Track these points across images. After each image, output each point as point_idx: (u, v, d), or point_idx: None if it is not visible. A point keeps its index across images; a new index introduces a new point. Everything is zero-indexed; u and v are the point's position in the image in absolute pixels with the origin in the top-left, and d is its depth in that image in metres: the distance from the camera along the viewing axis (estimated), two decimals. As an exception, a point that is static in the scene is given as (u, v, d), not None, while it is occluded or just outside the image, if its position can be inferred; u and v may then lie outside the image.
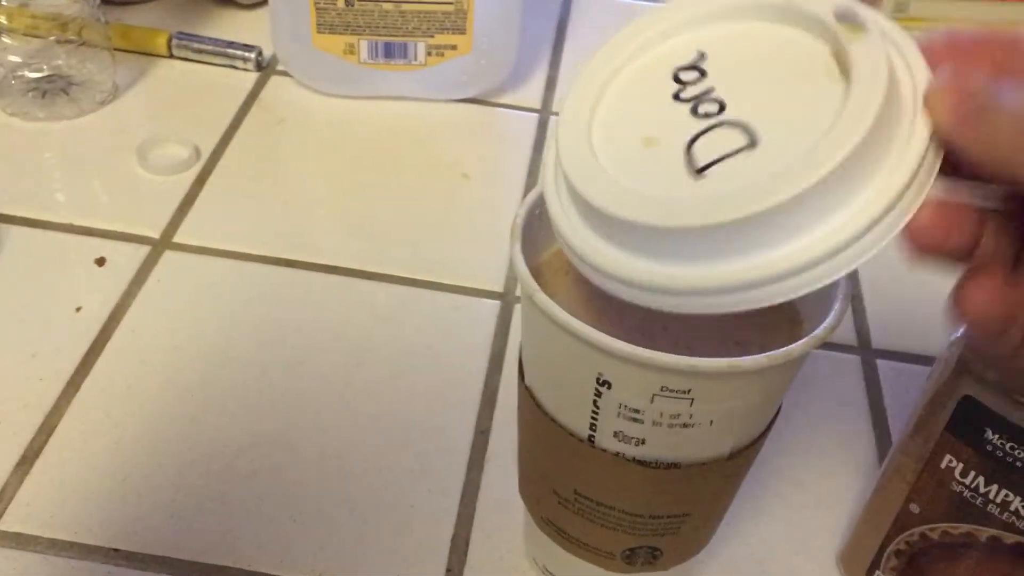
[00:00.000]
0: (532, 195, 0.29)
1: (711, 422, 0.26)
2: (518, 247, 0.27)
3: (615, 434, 0.27)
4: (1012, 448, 0.30)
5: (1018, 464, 0.30)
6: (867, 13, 0.23)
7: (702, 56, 0.25)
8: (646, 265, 0.23)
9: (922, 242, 0.22)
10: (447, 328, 0.46)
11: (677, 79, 0.25)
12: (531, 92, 0.62)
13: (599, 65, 0.26)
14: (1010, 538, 0.31)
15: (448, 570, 0.37)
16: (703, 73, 0.25)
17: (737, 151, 0.23)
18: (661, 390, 0.25)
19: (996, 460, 0.30)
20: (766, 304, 0.22)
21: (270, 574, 0.36)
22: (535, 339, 0.28)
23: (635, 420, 0.26)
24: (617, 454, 0.28)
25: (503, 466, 0.40)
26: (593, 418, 0.27)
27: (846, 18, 0.23)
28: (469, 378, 0.44)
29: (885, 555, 0.34)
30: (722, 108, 0.24)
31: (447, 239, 0.51)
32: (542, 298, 0.26)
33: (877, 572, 0.35)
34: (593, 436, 0.28)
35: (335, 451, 0.40)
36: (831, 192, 0.21)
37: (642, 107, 0.25)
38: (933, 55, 0.23)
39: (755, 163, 0.22)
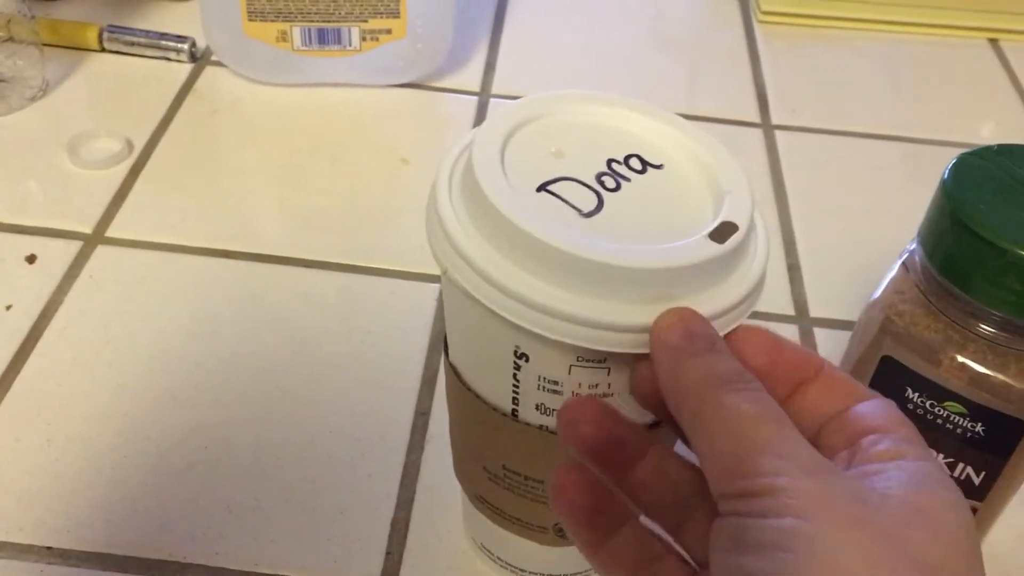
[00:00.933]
0: (446, 164, 0.28)
1: (630, 392, 0.26)
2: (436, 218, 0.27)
3: (537, 407, 0.27)
4: (932, 406, 0.30)
5: (938, 421, 0.30)
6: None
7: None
8: (528, 279, 0.24)
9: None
10: (386, 313, 0.46)
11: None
12: (470, 75, 0.61)
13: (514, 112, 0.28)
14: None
15: (388, 553, 0.36)
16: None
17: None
18: (577, 360, 0.25)
19: (917, 418, 0.30)
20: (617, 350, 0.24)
21: (206, 565, 0.35)
22: (454, 314, 0.28)
23: (555, 392, 0.26)
24: (541, 427, 0.27)
25: (443, 447, 0.40)
26: (515, 392, 0.27)
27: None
28: (409, 361, 0.44)
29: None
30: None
31: (387, 224, 0.51)
32: (454, 274, 0.25)
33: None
34: (516, 410, 0.28)
35: (272, 441, 0.40)
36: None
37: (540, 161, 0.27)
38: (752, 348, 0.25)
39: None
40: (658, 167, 0.27)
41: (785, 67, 0.65)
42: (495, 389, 0.28)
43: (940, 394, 0.30)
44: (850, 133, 0.59)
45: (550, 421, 0.27)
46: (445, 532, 0.37)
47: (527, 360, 0.26)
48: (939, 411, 0.30)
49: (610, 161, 0.27)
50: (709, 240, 0.24)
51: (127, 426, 0.40)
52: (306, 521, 0.37)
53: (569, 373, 0.26)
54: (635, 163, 0.27)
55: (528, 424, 0.28)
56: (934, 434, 0.30)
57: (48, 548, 0.35)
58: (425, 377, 0.43)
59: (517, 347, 0.26)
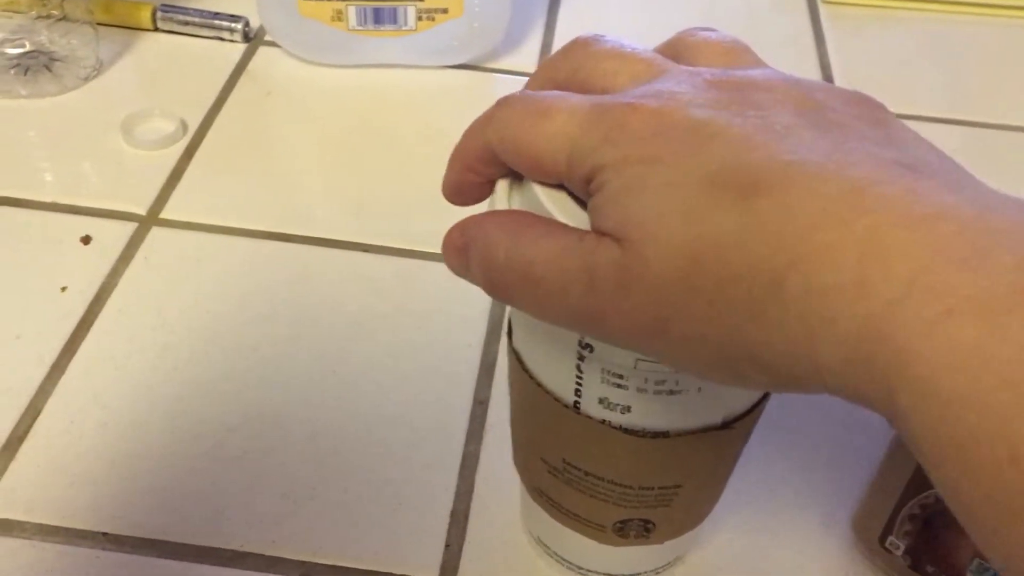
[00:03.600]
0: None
1: (699, 388, 0.25)
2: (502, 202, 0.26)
3: (600, 400, 0.26)
4: None
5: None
6: None
7: None
8: None
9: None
10: (443, 299, 0.45)
11: None
12: (526, 57, 0.60)
13: None
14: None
15: (447, 545, 0.35)
16: None
17: None
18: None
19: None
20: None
21: (262, 554, 0.35)
22: None
23: (619, 386, 0.25)
24: (603, 421, 0.26)
25: (502, 437, 0.39)
26: (578, 383, 0.26)
27: None
28: (467, 349, 0.42)
29: (899, 519, 0.33)
30: None
31: (442, 208, 0.49)
32: None
33: (891, 537, 0.34)
34: (579, 402, 0.26)
35: (328, 428, 0.39)
36: None
37: None
38: None
39: None
40: None
41: (851, 50, 0.62)
42: (558, 379, 0.27)
43: None
44: (917, 117, 0.57)
45: (613, 416, 0.26)
46: (505, 525, 0.36)
47: (591, 351, 0.25)
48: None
49: None
50: None
51: (182, 410, 0.39)
52: (363, 511, 0.36)
53: (635, 367, 0.24)
54: None
55: (590, 417, 0.26)
56: None
57: (103, 534, 0.35)
58: (483, 364, 0.42)
59: (582, 337, 0.24)
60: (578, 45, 0.26)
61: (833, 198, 0.19)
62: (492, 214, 0.25)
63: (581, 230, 0.22)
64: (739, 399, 0.27)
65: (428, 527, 0.36)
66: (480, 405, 0.40)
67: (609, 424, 0.26)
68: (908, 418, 0.18)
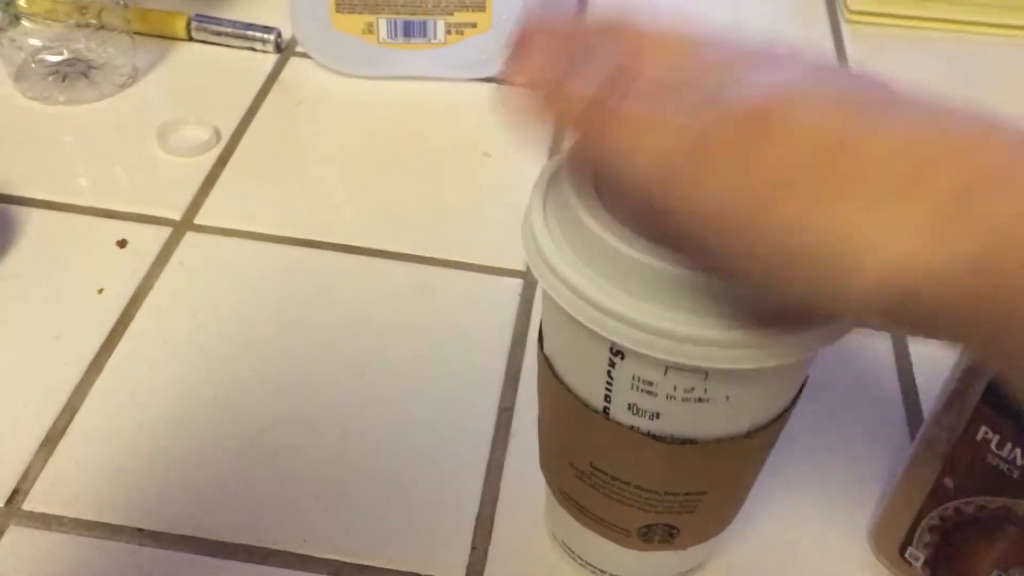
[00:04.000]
0: (547, 168, 0.28)
1: (727, 397, 0.26)
2: (538, 213, 0.27)
3: (629, 407, 0.27)
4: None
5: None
6: None
7: None
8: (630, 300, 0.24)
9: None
10: (469, 307, 0.46)
11: None
12: (552, 70, 0.61)
13: None
14: (1048, 512, 0.30)
15: (473, 548, 0.36)
16: None
17: None
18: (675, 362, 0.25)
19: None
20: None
21: (293, 552, 0.35)
22: (549, 308, 0.28)
23: (649, 393, 0.26)
24: (632, 427, 0.27)
25: (527, 444, 0.40)
26: (608, 389, 0.26)
27: None
28: (492, 356, 0.43)
29: (919, 531, 0.34)
30: None
31: (469, 218, 0.50)
32: (549, 290, 0.25)
33: (910, 548, 0.34)
34: (608, 408, 0.27)
35: (357, 431, 0.40)
36: None
37: None
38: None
39: None
40: None
41: (874, 66, 0.63)
42: (588, 385, 0.27)
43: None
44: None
45: (641, 422, 0.27)
46: (530, 530, 0.37)
47: (623, 358, 0.25)
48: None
49: None
50: None
51: (217, 410, 0.40)
52: (392, 512, 0.37)
53: (665, 374, 0.25)
54: None
55: (619, 423, 0.27)
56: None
57: (139, 530, 0.36)
58: (508, 373, 0.43)
59: (613, 344, 0.25)
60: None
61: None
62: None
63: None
64: (765, 409, 0.27)
65: (454, 530, 0.37)
66: (505, 412, 0.41)
67: (638, 430, 0.27)
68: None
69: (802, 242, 0.19)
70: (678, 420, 0.26)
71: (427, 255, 0.48)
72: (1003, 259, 0.18)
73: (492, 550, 0.36)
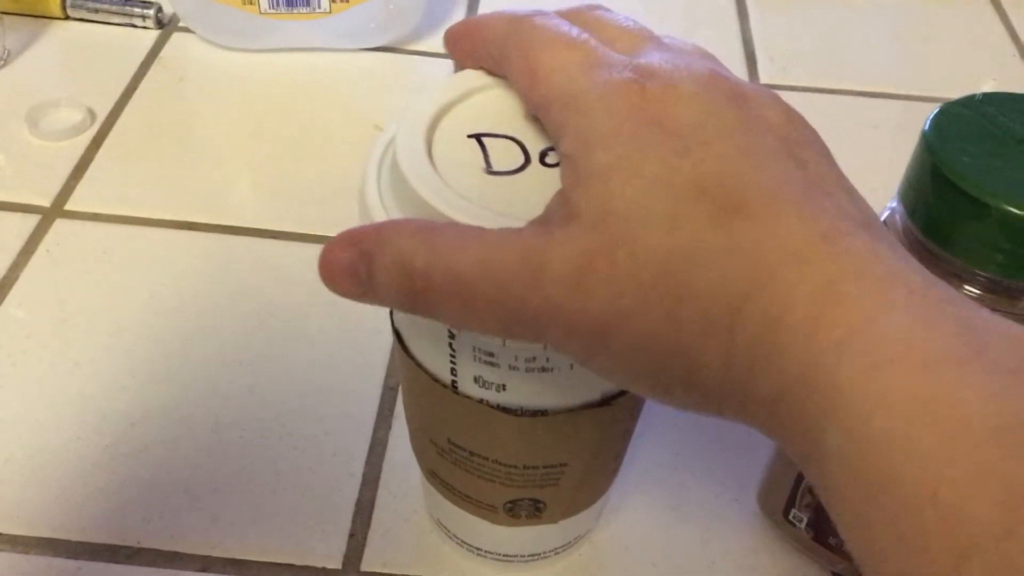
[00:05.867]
0: (383, 136, 0.26)
1: (571, 366, 0.24)
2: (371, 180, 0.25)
3: (475, 379, 0.25)
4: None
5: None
6: None
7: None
8: None
9: None
10: (356, 285, 0.44)
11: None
12: (447, 37, 0.59)
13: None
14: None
15: (351, 535, 0.35)
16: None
17: None
18: None
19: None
20: None
21: (160, 550, 0.34)
22: None
23: (491, 364, 0.25)
24: (481, 400, 0.26)
25: (411, 424, 0.38)
26: (452, 362, 0.25)
27: None
28: (378, 335, 0.42)
29: (799, 492, 0.33)
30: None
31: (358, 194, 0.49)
32: None
33: (793, 510, 0.34)
34: (456, 382, 0.26)
35: (233, 420, 0.38)
36: None
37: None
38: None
39: None
40: None
41: (775, 25, 0.62)
42: (434, 358, 0.26)
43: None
44: (843, 91, 0.57)
45: (489, 395, 0.26)
46: (411, 512, 0.36)
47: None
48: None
49: None
50: None
51: (82, 407, 0.38)
52: (267, 503, 0.36)
53: (504, 344, 0.24)
54: None
55: (468, 397, 0.26)
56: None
57: (-3, 534, 0.34)
58: (393, 352, 0.41)
59: None
60: (586, 9, 0.25)
61: (805, 239, 0.19)
62: (390, 223, 0.22)
63: (515, 227, 0.21)
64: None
65: (333, 517, 0.35)
66: (390, 391, 0.40)
67: (487, 403, 0.26)
68: (829, 459, 0.18)
69: (642, 365, 0.21)
70: (525, 391, 0.25)
71: (315, 233, 0.46)
72: None
73: (371, 536, 0.35)
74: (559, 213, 0.21)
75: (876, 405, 0.17)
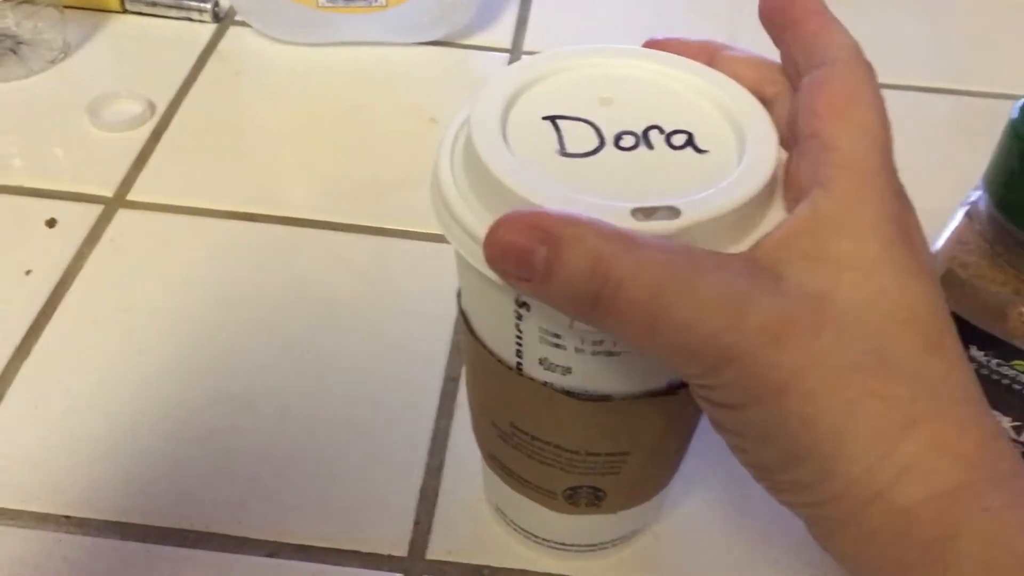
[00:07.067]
0: (456, 118, 0.26)
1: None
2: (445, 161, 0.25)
3: (540, 361, 0.25)
4: (998, 365, 0.28)
5: (1004, 382, 0.28)
6: None
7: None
8: None
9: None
10: (416, 277, 0.44)
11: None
12: (500, 32, 0.59)
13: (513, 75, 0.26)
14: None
15: (416, 523, 0.35)
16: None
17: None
18: None
19: (982, 379, 0.28)
20: None
21: (228, 535, 0.34)
22: (458, 257, 0.26)
23: (558, 346, 0.24)
24: (545, 383, 0.26)
25: (473, 414, 0.38)
26: (518, 344, 0.25)
27: None
28: (438, 325, 0.42)
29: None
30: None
31: (415, 186, 0.49)
32: (443, 230, 0.24)
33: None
34: (520, 364, 0.26)
35: (297, 408, 0.38)
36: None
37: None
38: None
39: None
40: (703, 152, 0.24)
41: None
42: (500, 340, 0.26)
43: (1007, 352, 0.27)
44: (896, 86, 0.56)
45: (554, 378, 0.26)
46: (475, 500, 0.36)
47: (528, 309, 0.24)
48: (1006, 371, 0.28)
49: (650, 128, 0.25)
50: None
51: (147, 392, 0.38)
52: (332, 490, 0.36)
53: (571, 326, 0.24)
54: (678, 139, 0.25)
55: (533, 379, 0.26)
56: (1001, 395, 0.28)
57: (66, 517, 0.34)
58: (455, 341, 0.41)
59: (518, 295, 0.24)
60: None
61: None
62: (583, 219, 0.20)
63: (720, 253, 0.21)
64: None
65: (398, 504, 0.35)
66: (451, 382, 0.40)
67: (552, 386, 0.26)
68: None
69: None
70: (590, 375, 0.25)
71: (373, 224, 0.46)
72: None
73: (436, 523, 0.35)
74: (772, 257, 0.21)
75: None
